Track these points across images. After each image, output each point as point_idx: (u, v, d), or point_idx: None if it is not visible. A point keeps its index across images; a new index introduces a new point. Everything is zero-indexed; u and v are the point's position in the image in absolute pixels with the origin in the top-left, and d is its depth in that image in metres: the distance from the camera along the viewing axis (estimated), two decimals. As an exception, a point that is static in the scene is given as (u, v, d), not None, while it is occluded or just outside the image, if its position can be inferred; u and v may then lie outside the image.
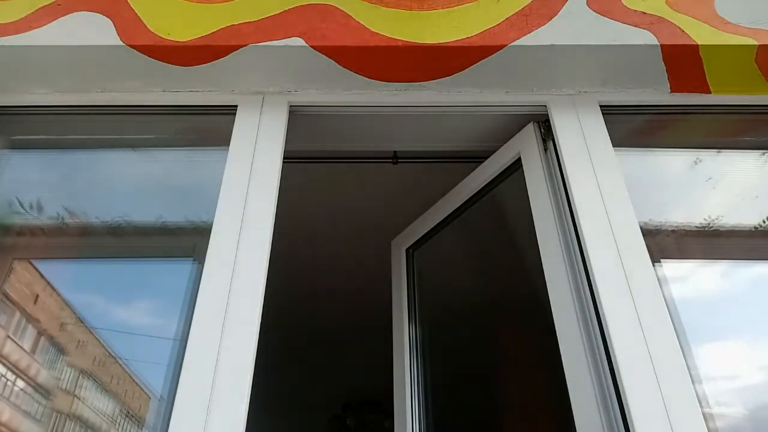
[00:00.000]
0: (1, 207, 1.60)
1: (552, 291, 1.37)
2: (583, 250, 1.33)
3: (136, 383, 1.38)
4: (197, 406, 1.10)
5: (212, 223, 1.38)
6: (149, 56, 1.56)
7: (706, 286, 1.42)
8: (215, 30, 1.56)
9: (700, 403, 1.11)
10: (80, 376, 1.41)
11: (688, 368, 1.14)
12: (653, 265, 1.29)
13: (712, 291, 1.41)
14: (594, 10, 1.58)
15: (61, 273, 1.62)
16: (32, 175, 1.71)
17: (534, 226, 1.48)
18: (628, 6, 1.59)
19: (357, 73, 1.58)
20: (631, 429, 1.08)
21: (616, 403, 1.15)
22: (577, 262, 1.35)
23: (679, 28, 1.53)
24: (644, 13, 1.57)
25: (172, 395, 1.26)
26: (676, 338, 1.17)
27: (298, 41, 1.54)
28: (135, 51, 1.55)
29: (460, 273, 1.95)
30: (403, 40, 1.53)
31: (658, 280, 1.26)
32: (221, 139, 1.53)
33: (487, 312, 1.81)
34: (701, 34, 1.52)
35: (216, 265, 1.30)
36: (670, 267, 1.38)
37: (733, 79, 1.55)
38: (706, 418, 1.09)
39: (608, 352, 1.19)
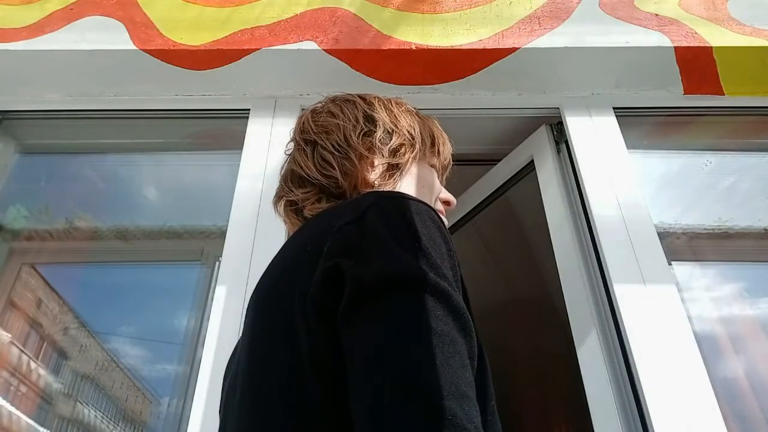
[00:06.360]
0: (13, 211, 1.60)
1: (567, 294, 1.35)
2: (599, 253, 1.32)
3: (139, 387, 1.38)
4: (213, 407, 1.09)
5: (224, 226, 1.38)
6: (162, 60, 1.56)
7: (720, 287, 1.41)
8: (228, 34, 1.57)
9: (718, 401, 1.10)
10: (82, 380, 1.41)
11: (706, 368, 1.13)
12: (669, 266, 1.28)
13: (725, 292, 1.41)
14: (606, 13, 1.58)
15: (70, 277, 1.62)
16: (44, 179, 1.71)
17: (548, 229, 1.47)
18: (641, 8, 1.59)
19: (369, 77, 1.58)
20: (649, 430, 1.07)
21: (635, 407, 1.14)
22: (593, 265, 1.34)
23: (692, 29, 1.53)
24: (657, 15, 1.57)
25: (182, 397, 1.26)
26: (693, 338, 1.17)
27: (310, 45, 1.54)
28: (148, 55, 1.55)
29: (473, 276, 1.94)
30: (415, 43, 1.53)
31: (675, 281, 1.26)
32: (234, 143, 1.53)
33: (501, 314, 1.80)
34: (714, 36, 1.52)
35: (231, 268, 1.30)
36: (684, 268, 1.38)
37: (746, 80, 1.54)
38: (725, 417, 1.09)
39: (625, 354, 1.19)
